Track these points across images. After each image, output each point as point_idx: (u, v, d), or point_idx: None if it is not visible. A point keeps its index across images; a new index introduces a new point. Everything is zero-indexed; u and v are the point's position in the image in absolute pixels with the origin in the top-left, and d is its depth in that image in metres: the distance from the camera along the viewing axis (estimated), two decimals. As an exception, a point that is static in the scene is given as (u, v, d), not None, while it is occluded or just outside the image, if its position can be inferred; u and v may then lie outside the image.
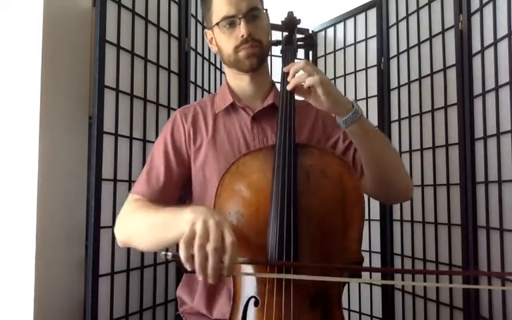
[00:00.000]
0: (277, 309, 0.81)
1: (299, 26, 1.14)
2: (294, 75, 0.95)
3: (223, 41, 1.04)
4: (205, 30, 1.12)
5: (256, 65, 1.05)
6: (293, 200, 0.85)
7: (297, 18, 1.13)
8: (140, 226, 0.95)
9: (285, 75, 1.02)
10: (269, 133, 1.06)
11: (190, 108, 1.13)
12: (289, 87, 0.96)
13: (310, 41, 1.15)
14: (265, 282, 0.83)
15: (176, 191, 1.07)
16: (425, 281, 1.80)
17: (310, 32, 2.41)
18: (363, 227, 0.91)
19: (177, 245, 0.75)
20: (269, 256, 0.83)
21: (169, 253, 0.74)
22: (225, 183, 0.92)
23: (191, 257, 0.72)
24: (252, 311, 0.84)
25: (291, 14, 1.13)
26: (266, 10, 1.08)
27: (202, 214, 0.75)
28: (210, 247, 0.71)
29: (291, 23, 1.12)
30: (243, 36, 1.00)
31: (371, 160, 0.99)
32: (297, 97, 1.00)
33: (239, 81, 1.10)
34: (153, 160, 1.08)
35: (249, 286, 0.86)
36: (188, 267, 0.72)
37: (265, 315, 0.82)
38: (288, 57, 1.06)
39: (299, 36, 1.14)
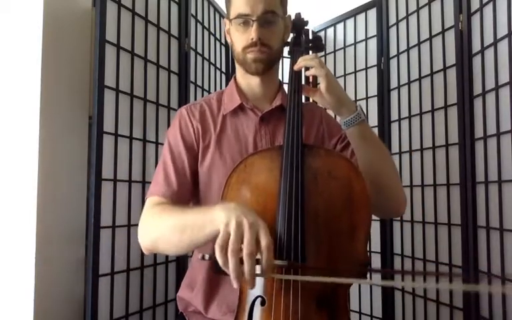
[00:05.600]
0: (284, 309, 0.81)
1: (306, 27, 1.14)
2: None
3: (235, 38, 1.04)
4: (224, 19, 1.11)
5: (261, 70, 1.04)
6: (301, 201, 0.85)
7: (305, 19, 1.13)
8: (166, 229, 0.91)
9: (292, 76, 1.02)
10: (277, 134, 1.06)
11: (196, 105, 1.11)
12: (295, 67, 0.98)
13: (318, 42, 1.15)
14: (272, 282, 0.83)
15: (192, 189, 1.05)
16: (424, 281, 1.80)
17: (310, 32, 2.41)
18: (370, 229, 0.91)
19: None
20: (276, 256, 0.83)
21: (206, 255, 0.72)
22: (231, 183, 0.91)
23: (227, 261, 0.70)
24: (258, 310, 0.84)
25: (298, 15, 1.12)
26: (289, 16, 1.08)
27: (234, 213, 0.73)
28: (245, 252, 0.69)
29: (298, 25, 1.12)
30: (252, 39, 1.00)
31: (366, 165, 0.98)
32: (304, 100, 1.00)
33: (248, 80, 1.10)
34: (166, 160, 1.05)
35: (255, 286, 0.86)
36: (226, 271, 0.71)
37: (271, 315, 0.81)
38: (296, 59, 1.05)
39: (307, 37, 1.14)
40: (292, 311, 0.80)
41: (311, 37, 1.15)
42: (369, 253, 2.12)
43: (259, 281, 0.85)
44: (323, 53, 2.40)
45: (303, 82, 1.05)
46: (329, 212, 0.88)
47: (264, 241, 0.71)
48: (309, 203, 0.86)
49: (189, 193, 1.04)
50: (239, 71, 1.11)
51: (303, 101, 1.02)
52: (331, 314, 0.84)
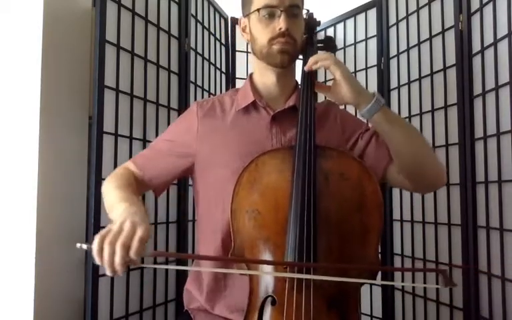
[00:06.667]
0: (295, 309, 0.80)
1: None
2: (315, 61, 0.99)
3: (259, 31, 1.03)
4: (239, 18, 1.11)
5: (287, 62, 1.04)
6: (313, 202, 0.85)
7: (317, 19, 1.13)
8: (105, 194, 1.01)
9: (304, 76, 1.02)
10: (288, 134, 1.05)
11: (209, 101, 1.12)
12: (306, 67, 0.99)
13: (330, 43, 1.16)
14: (284, 281, 0.83)
15: (165, 178, 1.11)
16: (424, 282, 1.80)
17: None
18: (381, 231, 0.91)
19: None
20: (287, 257, 0.84)
21: (84, 245, 0.76)
22: (243, 181, 0.92)
23: (101, 251, 0.74)
24: (269, 310, 0.84)
25: (310, 15, 1.12)
26: (308, 10, 1.09)
27: (124, 215, 0.79)
28: (118, 242, 0.73)
29: (310, 24, 1.11)
30: (280, 29, 0.99)
31: (400, 147, 0.99)
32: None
33: (265, 78, 1.09)
34: (158, 142, 1.13)
35: (266, 285, 0.86)
36: (97, 260, 0.75)
37: (282, 314, 0.81)
38: (308, 59, 1.05)
39: (319, 38, 1.14)
40: (303, 312, 0.80)
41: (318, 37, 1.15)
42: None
43: (270, 281, 0.85)
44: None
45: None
46: (341, 213, 0.88)
47: (138, 234, 0.75)
48: (320, 205, 0.86)
49: (160, 180, 1.10)
50: (257, 68, 1.11)
51: (318, 100, 1.01)
52: (341, 315, 0.84)
